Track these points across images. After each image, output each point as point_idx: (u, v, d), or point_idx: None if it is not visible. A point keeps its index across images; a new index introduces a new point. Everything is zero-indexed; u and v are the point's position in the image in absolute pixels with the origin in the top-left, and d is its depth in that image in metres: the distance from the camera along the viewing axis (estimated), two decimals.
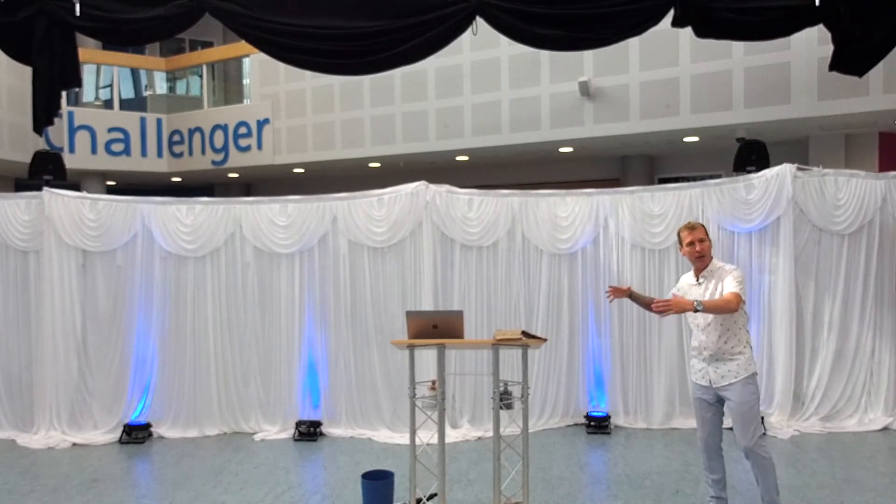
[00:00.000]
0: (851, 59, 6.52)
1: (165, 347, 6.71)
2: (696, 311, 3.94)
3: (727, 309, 4.00)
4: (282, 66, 11.30)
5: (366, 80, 12.21)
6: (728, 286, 4.08)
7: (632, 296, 4.51)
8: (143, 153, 14.75)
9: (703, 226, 4.31)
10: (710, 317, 4.13)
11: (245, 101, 14.89)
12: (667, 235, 6.62)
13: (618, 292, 4.47)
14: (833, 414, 6.50)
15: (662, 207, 6.65)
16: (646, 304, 4.45)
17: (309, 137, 13.41)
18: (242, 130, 14.04)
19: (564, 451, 6.06)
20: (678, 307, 3.98)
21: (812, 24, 6.52)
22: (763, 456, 4.12)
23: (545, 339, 4.49)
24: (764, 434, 4.21)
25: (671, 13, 6.45)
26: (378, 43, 6.80)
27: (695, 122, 10.05)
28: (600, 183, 8.59)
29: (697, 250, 4.21)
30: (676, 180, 9.56)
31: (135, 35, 7.28)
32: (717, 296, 4.13)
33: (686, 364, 6.62)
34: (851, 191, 6.48)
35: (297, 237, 6.71)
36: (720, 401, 4.26)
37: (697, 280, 4.28)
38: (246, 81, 15.00)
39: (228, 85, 16.02)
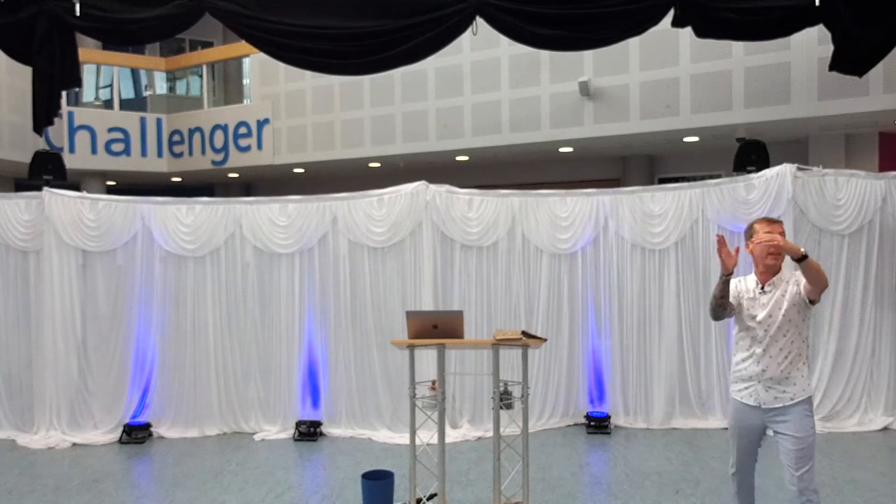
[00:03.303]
0: (851, 59, 6.53)
1: (165, 347, 6.71)
2: (804, 258, 3.33)
3: (825, 278, 3.43)
4: (282, 66, 11.32)
5: (366, 80, 12.22)
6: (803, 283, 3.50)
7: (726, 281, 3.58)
8: (143, 153, 14.76)
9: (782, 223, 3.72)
10: (779, 334, 3.54)
11: (245, 101, 14.90)
12: (667, 235, 6.63)
13: (729, 254, 3.51)
14: (833, 414, 6.50)
15: (662, 207, 6.65)
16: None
17: (309, 137, 13.41)
18: (242, 130, 14.04)
19: (564, 451, 6.06)
20: (787, 247, 3.40)
21: (812, 24, 6.52)
22: None
23: (545, 339, 4.49)
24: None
25: (671, 13, 6.46)
26: (378, 43, 6.80)
27: (695, 122, 10.05)
28: (600, 183, 8.59)
29: (775, 245, 3.52)
30: (676, 180, 9.58)
31: (135, 35, 7.29)
32: (784, 305, 3.55)
33: (687, 364, 6.63)
34: (851, 191, 6.48)
35: (297, 237, 6.71)
36: (765, 427, 3.66)
37: (763, 288, 3.62)
38: (246, 81, 15.01)
39: (228, 85, 16.03)
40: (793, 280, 3.58)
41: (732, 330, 3.79)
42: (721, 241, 3.52)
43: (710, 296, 3.68)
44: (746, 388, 3.65)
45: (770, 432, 3.71)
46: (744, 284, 3.75)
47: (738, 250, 3.57)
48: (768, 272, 3.62)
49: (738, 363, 3.70)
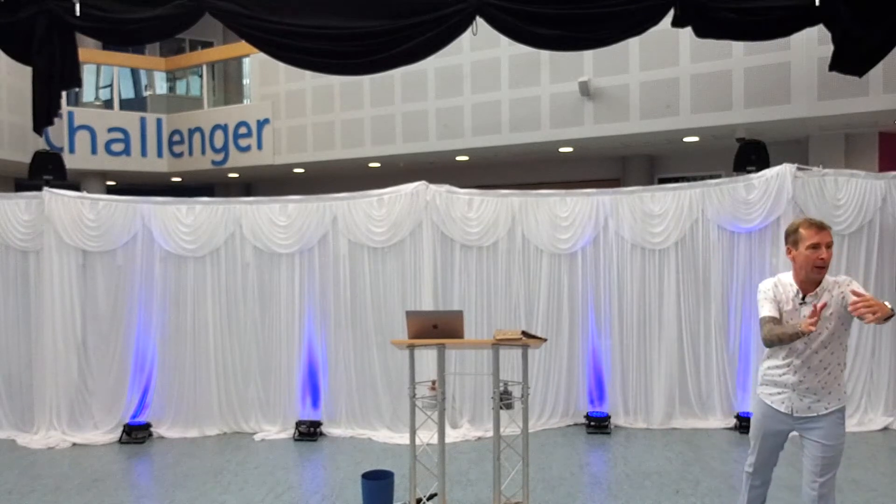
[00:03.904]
0: (851, 59, 6.53)
1: (165, 347, 6.71)
2: (891, 316, 2.99)
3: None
4: (282, 66, 11.32)
5: (366, 80, 12.23)
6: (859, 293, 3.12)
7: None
8: (143, 153, 14.77)
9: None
10: (821, 346, 3.34)
11: (245, 101, 14.91)
12: (667, 235, 6.63)
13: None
14: None
15: (662, 207, 6.65)
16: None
17: (309, 137, 13.42)
18: (242, 130, 14.05)
19: (564, 451, 6.06)
20: (882, 312, 2.95)
21: (812, 24, 6.52)
22: None
23: (545, 339, 4.48)
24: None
25: (671, 13, 6.46)
26: (378, 43, 6.80)
27: (695, 122, 10.06)
28: (600, 183, 8.59)
29: (822, 258, 3.29)
30: (676, 180, 9.57)
31: (135, 35, 7.29)
32: (829, 319, 3.30)
33: (687, 364, 6.63)
34: (851, 191, 6.48)
35: (297, 237, 6.71)
36: (791, 431, 3.52)
37: (805, 299, 3.37)
38: (246, 81, 15.02)
39: (228, 85, 16.04)
40: (836, 290, 3.32)
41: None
42: (815, 312, 3.11)
43: (773, 334, 3.32)
44: (779, 394, 3.48)
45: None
46: (782, 290, 3.46)
47: (819, 315, 3.13)
48: (811, 283, 3.37)
49: (772, 368, 3.51)
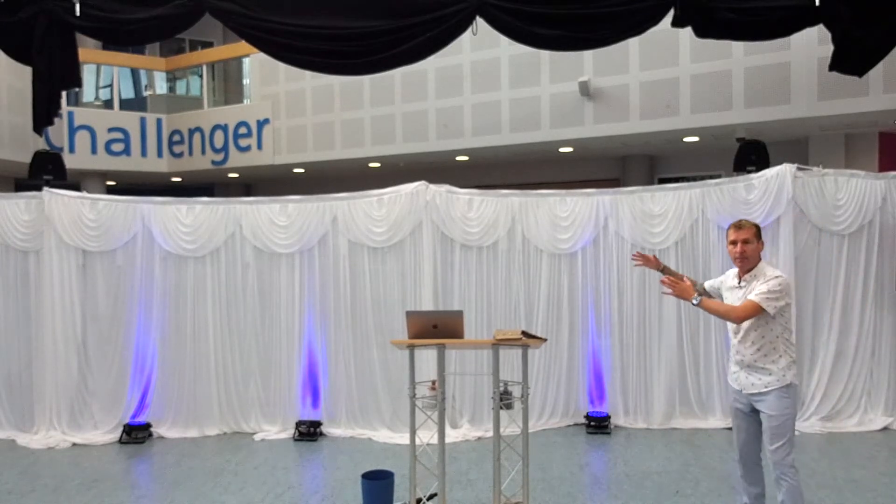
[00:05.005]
0: (851, 59, 6.53)
1: (165, 347, 6.71)
2: (693, 304, 3.87)
3: (728, 317, 3.84)
4: (282, 66, 11.33)
5: (366, 80, 12.23)
6: (753, 294, 3.80)
7: (664, 270, 4.40)
8: (143, 153, 14.77)
9: (755, 226, 3.97)
10: (751, 328, 3.86)
11: (245, 101, 14.91)
12: (667, 235, 6.63)
13: (647, 262, 4.42)
14: (833, 414, 6.50)
15: (662, 207, 6.65)
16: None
17: (309, 137, 13.42)
18: (242, 130, 14.05)
19: (564, 451, 6.06)
20: (679, 292, 3.90)
21: (812, 24, 6.53)
22: (791, 484, 3.76)
23: (545, 339, 4.48)
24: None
25: (671, 13, 6.46)
26: (378, 43, 6.81)
27: (695, 122, 10.05)
28: (600, 183, 8.60)
29: (738, 251, 3.90)
30: (676, 180, 9.57)
31: (135, 35, 7.29)
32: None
33: (687, 364, 6.64)
34: (851, 191, 6.48)
35: (297, 237, 6.71)
36: (755, 410, 3.95)
37: (739, 282, 3.98)
38: (246, 81, 15.01)
39: (228, 85, 16.04)
40: (764, 280, 3.83)
41: None
42: (641, 259, 4.45)
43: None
44: (734, 372, 4.01)
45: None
46: (729, 277, 4.11)
47: (654, 258, 4.49)
48: (742, 270, 3.97)
49: (732, 347, 4.06)
